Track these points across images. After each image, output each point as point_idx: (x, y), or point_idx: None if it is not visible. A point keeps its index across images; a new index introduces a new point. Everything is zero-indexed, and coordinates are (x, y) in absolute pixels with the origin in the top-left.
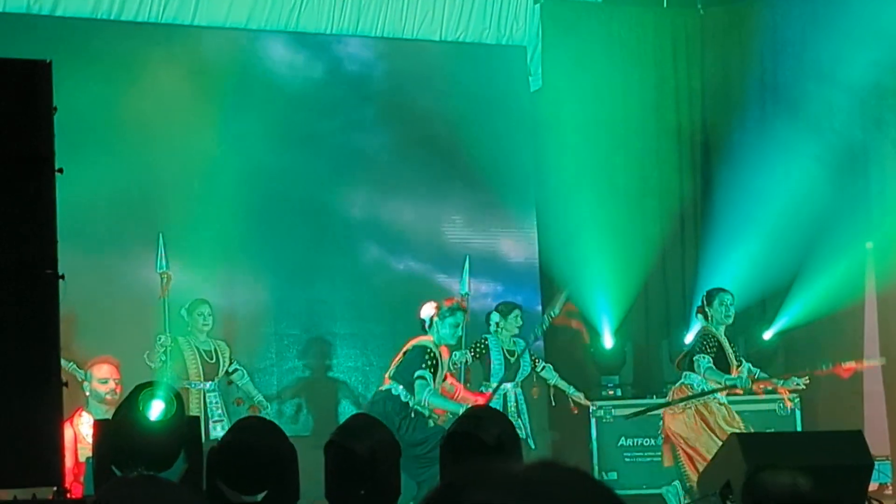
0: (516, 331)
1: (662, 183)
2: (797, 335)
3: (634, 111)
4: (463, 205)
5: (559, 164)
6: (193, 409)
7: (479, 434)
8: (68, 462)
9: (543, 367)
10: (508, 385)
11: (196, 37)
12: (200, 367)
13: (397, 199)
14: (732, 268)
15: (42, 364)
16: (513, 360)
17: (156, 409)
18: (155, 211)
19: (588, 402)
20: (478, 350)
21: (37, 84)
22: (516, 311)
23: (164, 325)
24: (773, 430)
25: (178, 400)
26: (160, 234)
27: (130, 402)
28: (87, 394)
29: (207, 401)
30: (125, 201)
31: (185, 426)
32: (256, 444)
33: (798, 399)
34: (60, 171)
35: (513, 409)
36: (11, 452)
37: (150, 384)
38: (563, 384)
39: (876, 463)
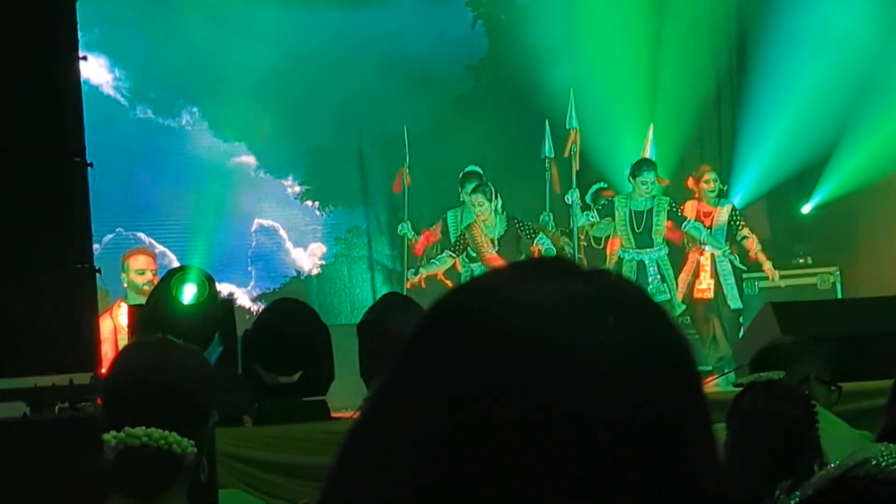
0: (648, 195)
1: (697, 56)
2: (835, 209)
3: None
4: None
5: (594, 42)
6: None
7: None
8: (109, 353)
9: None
10: (644, 251)
11: None
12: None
13: None
14: (770, 141)
15: (75, 251)
16: (641, 223)
17: (188, 293)
18: None
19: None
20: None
21: None
22: (646, 173)
23: None
24: None
25: (209, 283)
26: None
27: (163, 287)
28: (125, 285)
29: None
30: None
31: (217, 308)
32: (290, 326)
33: (838, 272)
34: (85, 58)
35: (654, 273)
36: (48, 340)
37: (181, 269)
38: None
39: None
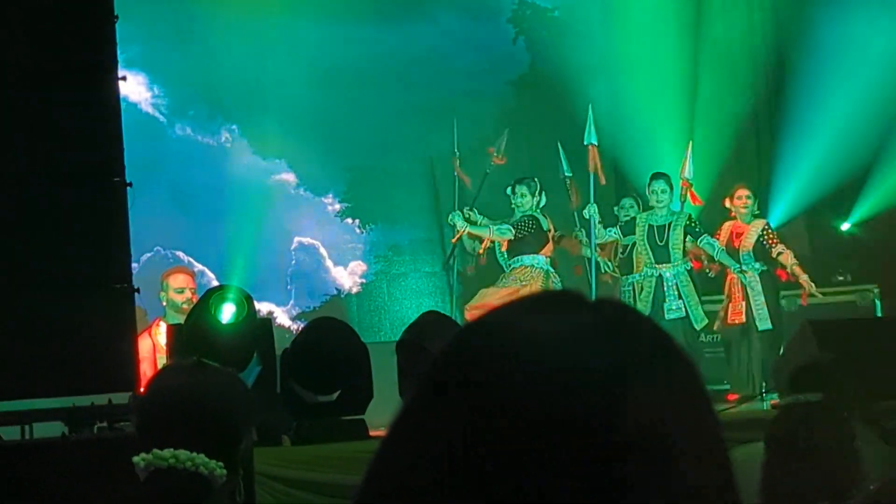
0: (661, 205)
1: (735, 74)
2: (874, 225)
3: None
4: None
5: (633, 60)
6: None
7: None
8: (148, 371)
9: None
10: (663, 267)
11: None
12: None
13: None
14: (808, 158)
15: (113, 270)
16: (659, 238)
17: (227, 312)
18: None
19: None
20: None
21: None
22: (656, 182)
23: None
24: None
25: (248, 302)
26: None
27: (202, 306)
28: (164, 304)
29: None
30: None
31: (256, 328)
32: (328, 345)
33: (878, 289)
34: (124, 78)
35: (671, 290)
36: (87, 359)
37: (221, 288)
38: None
39: None
